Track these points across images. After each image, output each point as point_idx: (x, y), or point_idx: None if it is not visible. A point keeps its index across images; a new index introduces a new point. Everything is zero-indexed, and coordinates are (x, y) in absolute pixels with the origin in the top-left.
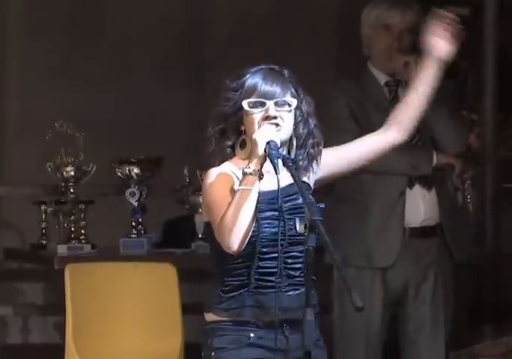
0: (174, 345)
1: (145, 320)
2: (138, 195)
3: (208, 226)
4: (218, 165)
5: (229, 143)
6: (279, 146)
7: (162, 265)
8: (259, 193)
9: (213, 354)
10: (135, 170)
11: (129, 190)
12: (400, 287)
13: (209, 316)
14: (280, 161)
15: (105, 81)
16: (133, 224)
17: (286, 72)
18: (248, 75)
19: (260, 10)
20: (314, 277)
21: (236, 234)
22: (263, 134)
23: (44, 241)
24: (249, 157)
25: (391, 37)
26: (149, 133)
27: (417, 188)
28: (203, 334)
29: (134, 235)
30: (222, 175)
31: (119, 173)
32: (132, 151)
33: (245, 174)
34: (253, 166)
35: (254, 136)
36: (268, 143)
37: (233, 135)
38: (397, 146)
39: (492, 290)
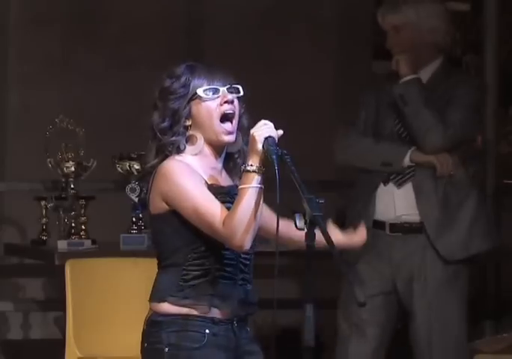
0: None
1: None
2: (138, 191)
3: (167, 217)
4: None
5: (179, 138)
6: (277, 141)
7: None
8: (222, 187)
9: (167, 349)
10: (136, 166)
11: (130, 185)
12: (385, 279)
13: (164, 307)
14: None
15: (106, 77)
16: (134, 219)
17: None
18: (187, 71)
19: (261, 4)
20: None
21: (251, 233)
22: (261, 130)
23: (44, 237)
24: (249, 153)
25: (385, 37)
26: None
27: (391, 184)
28: (151, 325)
29: (134, 231)
30: (190, 169)
31: (119, 169)
32: (133, 146)
33: (248, 172)
34: (254, 163)
35: (251, 132)
36: (266, 138)
37: (182, 131)
38: (375, 142)
39: (493, 286)
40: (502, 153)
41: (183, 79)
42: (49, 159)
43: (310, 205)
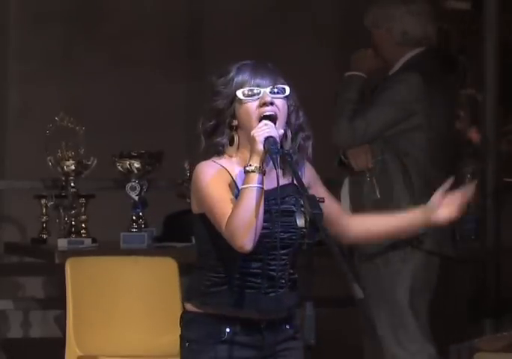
0: (174, 338)
1: (146, 314)
2: (138, 189)
3: (198, 219)
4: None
5: (224, 140)
6: (278, 141)
7: (162, 259)
8: None
9: (187, 344)
10: (136, 164)
11: (130, 184)
12: None
13: (187, 306)
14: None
15: (105, 75)
16: (134, 218)
17: (270, 65)
18: (234, 70)
19: (261, 4)
20: (296, 276)
21: (250, 234)
22: (262, 131)
23: (45, 235)
24: (249, 153)
25: None
26: (149, 127)
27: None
28: (181, 320)
29: (135, 230)
30: (218, 170)
31: (119, 167)
32: (133, 145)
33: (247, 172)
34: (254, 163)
35: (252, 132)
36: (267, 139)
37: (227, 131)
38: None
39: (493, 284)
40: (502, 151)
41: (226, 79)
42: (49, 157)
43: (310, 203)
